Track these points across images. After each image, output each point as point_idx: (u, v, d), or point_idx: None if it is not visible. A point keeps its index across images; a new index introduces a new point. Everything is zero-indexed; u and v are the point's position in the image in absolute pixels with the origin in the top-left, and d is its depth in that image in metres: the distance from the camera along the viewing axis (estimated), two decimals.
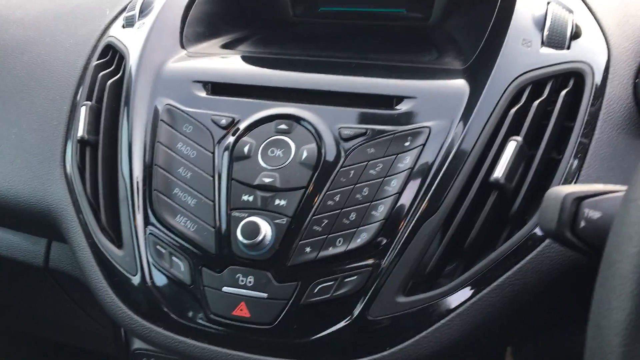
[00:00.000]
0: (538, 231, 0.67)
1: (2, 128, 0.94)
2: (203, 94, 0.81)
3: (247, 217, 0.71)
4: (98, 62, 0.90)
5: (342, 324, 0.69)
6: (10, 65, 0.99)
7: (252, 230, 0.69)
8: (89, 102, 0.85)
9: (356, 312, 0.68)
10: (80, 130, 0.83)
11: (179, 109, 0.79)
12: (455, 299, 0.67)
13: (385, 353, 0.68)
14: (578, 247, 0.49)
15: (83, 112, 0.84)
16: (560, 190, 0.49)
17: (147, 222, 0.76)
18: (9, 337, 1.55)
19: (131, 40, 0.88)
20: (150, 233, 0.75)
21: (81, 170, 0.83)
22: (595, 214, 0.48)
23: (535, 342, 0.85)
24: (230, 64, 0.87)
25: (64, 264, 0.97)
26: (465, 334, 0.68)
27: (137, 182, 0.78)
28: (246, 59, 0.88)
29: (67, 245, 0.93)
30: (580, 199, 0.49)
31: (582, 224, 0.48)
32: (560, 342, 0.86)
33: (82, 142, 0.83)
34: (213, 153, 0.76)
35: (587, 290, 0.70)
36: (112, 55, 0.90)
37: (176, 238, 0.74)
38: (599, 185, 0.50)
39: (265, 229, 0.70)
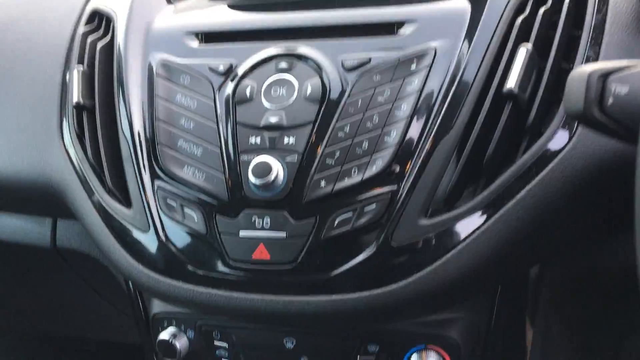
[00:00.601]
0: (556, 141, 0.65)
1: None
2: (196, 44, 0.79)
3: (257, 157, 0.68)
4: (86, 28, 0.88)
5: (365, 254, 0.67)
6: None
7: (264, 170, 0.67)
8: (80, 67, 0.82)
9: (379, 240, 0.66)
10: (75, 95, 0.80)
11: (174, 62, 0.78)
12: (479, 216, 0.65)
13: (412, 278, 0.66)
14: (608, 126, 0.47)
15: (75, 77, 0.81)
16: (584, 70, 0.47)
17: (154, 177, 0.74)
18: (25, 337, 1.53)
19: (117, 2, 0.86)
20: (158, 188, 0.73)
21: (80, 136, 0.81)
22: (623, 89, 0.46)
23: (561, 264, 0.83)
24: (220, 12, 0.85)
25: (71, 241, 0.96)
26: (492, 251, 0.65)
27: (140, 139, 0.76)
28: (236, 6, 0.85)
29: (72, 221, 0.91)
30: (605, 75, 0.46)
31: (610, 100, 0.46)
32: (586, 263, 0.84)
33: (78, 108, 0.81)
34: (214, 100, 0.73)
35: (610, 198, 0.69)
36: (99, 20, 0.88)
37: (186, 189, 0.72)
38: (622, 60, 0.48)
39: (277, 168, 0.68)
